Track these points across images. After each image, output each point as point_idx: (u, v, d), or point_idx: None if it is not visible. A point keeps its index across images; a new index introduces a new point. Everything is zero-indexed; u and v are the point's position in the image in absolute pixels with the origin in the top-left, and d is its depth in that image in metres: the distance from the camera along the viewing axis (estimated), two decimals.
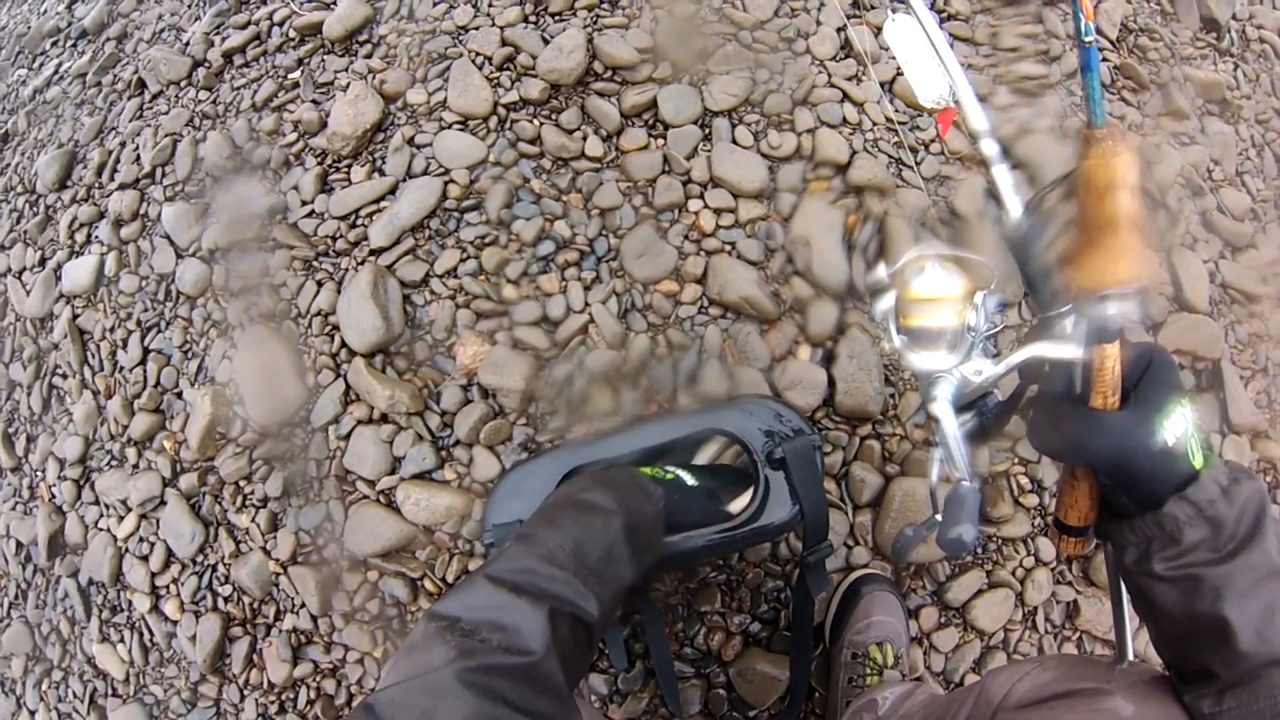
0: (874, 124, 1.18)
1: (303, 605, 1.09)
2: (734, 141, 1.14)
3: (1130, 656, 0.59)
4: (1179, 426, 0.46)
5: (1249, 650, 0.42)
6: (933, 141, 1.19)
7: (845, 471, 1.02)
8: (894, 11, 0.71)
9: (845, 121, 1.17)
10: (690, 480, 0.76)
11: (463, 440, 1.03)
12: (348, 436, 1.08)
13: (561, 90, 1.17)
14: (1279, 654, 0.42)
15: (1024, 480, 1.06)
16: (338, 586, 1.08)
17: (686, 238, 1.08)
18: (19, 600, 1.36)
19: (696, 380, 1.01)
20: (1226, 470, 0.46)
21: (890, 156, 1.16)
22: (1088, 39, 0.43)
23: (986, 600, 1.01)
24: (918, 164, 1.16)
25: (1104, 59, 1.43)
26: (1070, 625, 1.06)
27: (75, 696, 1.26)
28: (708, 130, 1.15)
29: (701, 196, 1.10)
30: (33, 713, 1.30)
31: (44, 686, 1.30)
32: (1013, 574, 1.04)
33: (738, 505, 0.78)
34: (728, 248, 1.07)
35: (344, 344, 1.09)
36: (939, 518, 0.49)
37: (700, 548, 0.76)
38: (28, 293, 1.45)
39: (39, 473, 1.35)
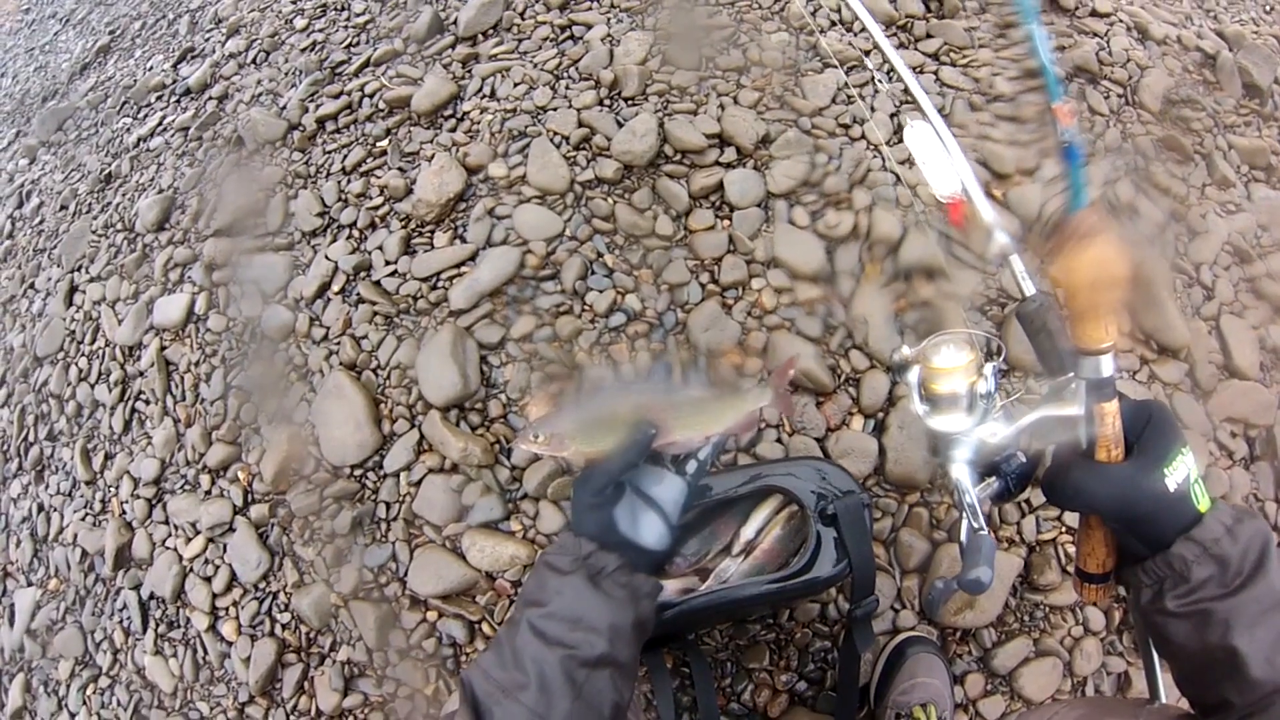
0: (926, 206, 1.25)
1: (359, 639, 1.13)
2: (791, 222, 1.22)
3: (1163, 698, 0.62)
4: (1181, 473, 0.51)
5: (1261, 677, 0.46)
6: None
7: (894, 537, 1.06)
8: (912, 120, 0.82)
9: (898, 203, 1.24)
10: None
11: (531, 494, 1.09)
12: (419, 483, 1.14)
13: (634, 171, 1.27)
14: None
15: (1071, 549, 1.08)
16: (396, 624, 1.13)
17: (749, 314, 1.15)
18: (76, 606, 1.42)
19: (755, 445, 1.07)
20: (1231, 511, 0.51)
21: (942, 234, 1.22)
22: (1064, 140, 0.51)
23: (1034, 669, 1.02)
24: (967, 242, 1.22)
25: (1147, 132, 1.45)
26: (1121, 696, 1.06)
27: (119, 705, 1.30)
28: (770, 212, 1.23)
29: (764, 275, 1.18)
30: (73, 715, 1.34)
31: (89, 691, 1.34)
32: (1060, 643, 1.05)
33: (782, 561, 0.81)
34: (787, 324, 1.14)
35: (421, 396, 1.17)
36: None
37: (752, 597, 0.80)
38: (120, 321, 1.56)
39: (113, 488, 1.43)
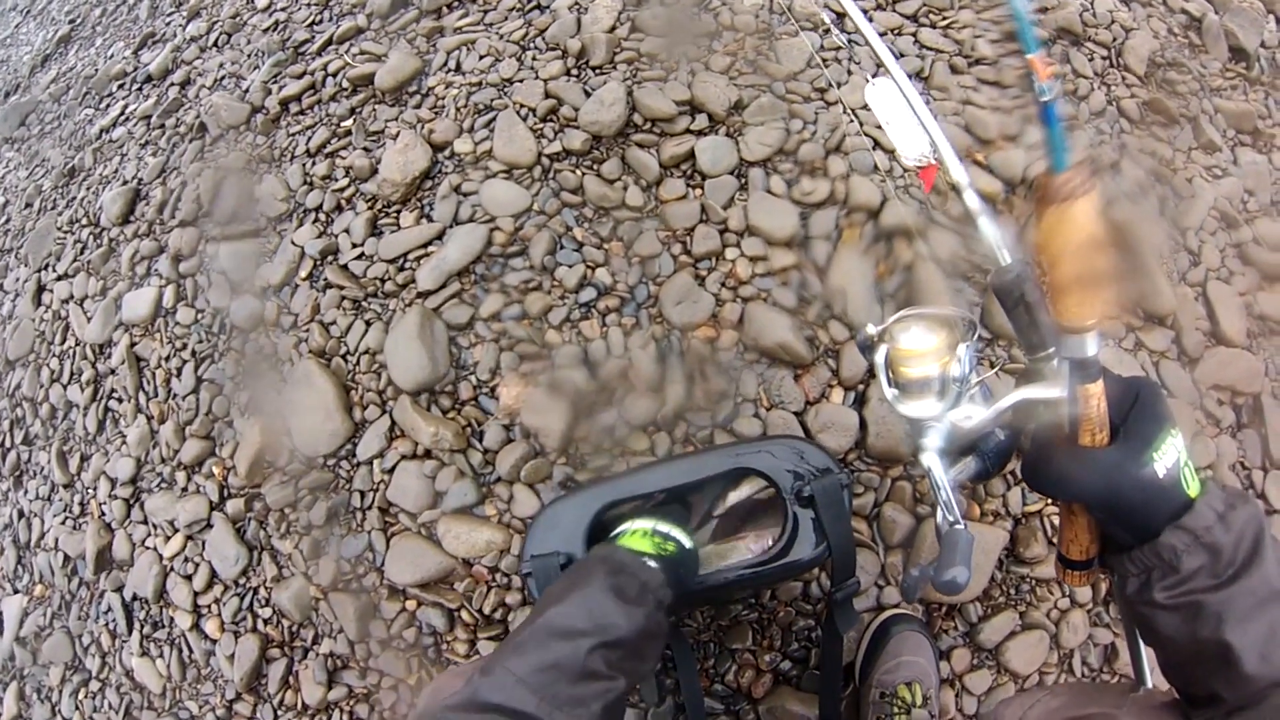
0: (904, 171, 1.22)
1: (340, 630, 1.12)
2: (768, 190, 1.18)
3: (1149, 683, 0.59)
4: (1170, 457, 0.47)
5: (1254, 673, 0.43)
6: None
7: (877, 512, 1.04)
8: (874, 75, 0.74)
9: (876, 168, 1.21)
10: (688, 544, 0.75)
11: (504, 477, 1.07)
12: (392, 470, 1.12)
13: (603, 141, 1.23)
14: None
15: (1057, 520, 1.06)
16: (376, 614, 1.11)
17: (724, 285, 1.12)
18: (62, 611, 1.41)
19: (731, 422, 1.04)
20: (1223, 496, 0.47)
21: (920, 201, 1.19)
22: (1044, 99, 0.46)
23: (1020, 642, 1.01)
24: (946, 206, 1.19)
25: (1132, 95, 1.43)
26: (1109, 668, 1.05)
27: (111, 708, 1.29)
28: (744, 180, 1.19)
29: (738, 245, 1.14)
30: None
31: (80, 696, 1.33)
32: (1047, 616, 1.03)
33: (760, 545, 0.79)
34: (763, 295, 1.11)
35: (391, 382, 1.14)
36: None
37: (729, 582, 0.78)
38: (89, 319, 1.53)
39: (90, 490, 1.41)
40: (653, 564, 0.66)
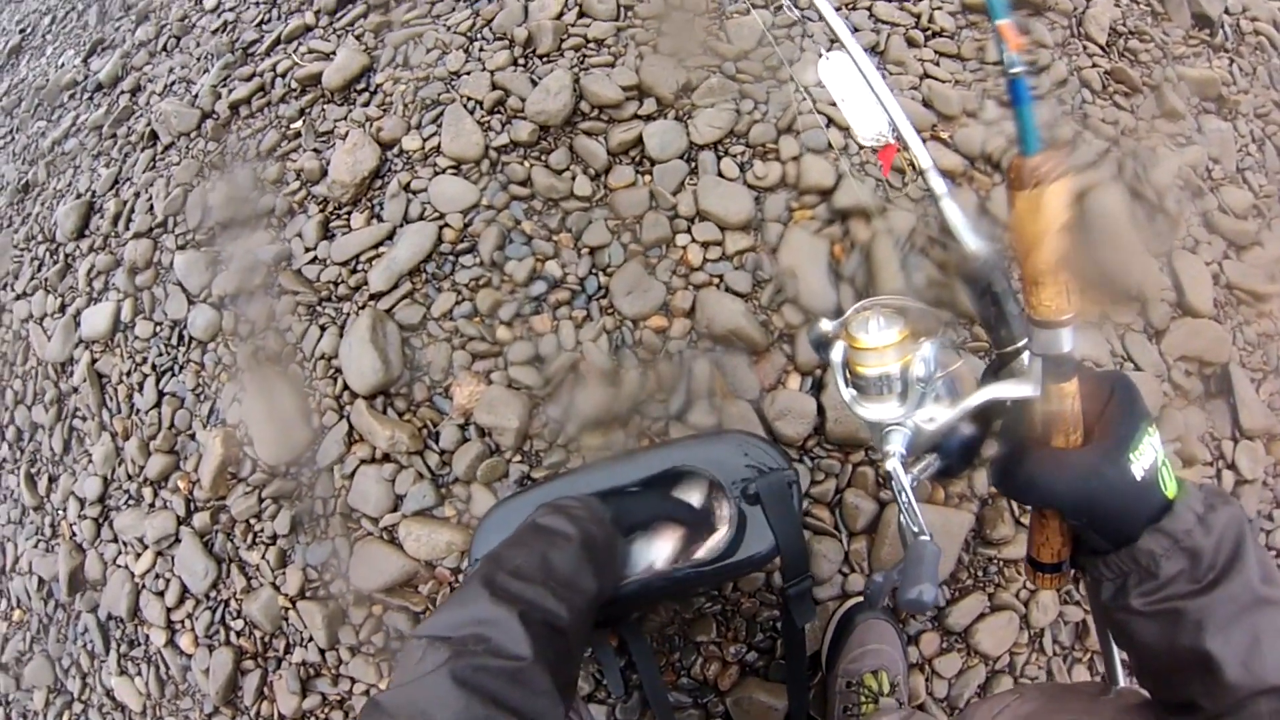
0: (860, 148, 1.19)
1: (311, 639, 1.11)
2: (720, 174, 1.16)
3: (1120, 683, 0.57)
4: (1148, 457, 0.44)
5: (1235, 682, 0.41)
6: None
7: (839, 499, 1.02)
8: (827, 49, 0.68)
9: (830, 146, 1.18)
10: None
11: (461, 478, 1.05)
12: (352, 475, 1.11)
13: (550, 131, 1.21)
14: (1265, 684, 0.41)
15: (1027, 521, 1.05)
16: (344, 621, 1.10)
17: (675, 272, 1.09)
18: (40, 635, 1.40)
19: (687, 413, 1.02)
20: (1202, 496, 0.45)
21: (876, 179, 1.17)
22: (1013, 70, 0.41)
23: (989, 624, 1.00)
24: (905, 186, 1.17)
25: (1094, 65, 1.42)
26: (1080, 646, 1.05)
27: None
28: (694, 164, 1.17)
29: (689, 230, 1.12)
30: None
31: (65, 719, 1.33)
32: (1016, 596, 1.03)
33: (706, 548, 0.78)
34: (715, 280, 1.09)
35: (346, 386, 1.13)
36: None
37: (676, 580, 0.75)
38: (49, 338, 1.51)
39: (60, 511, 1.40)
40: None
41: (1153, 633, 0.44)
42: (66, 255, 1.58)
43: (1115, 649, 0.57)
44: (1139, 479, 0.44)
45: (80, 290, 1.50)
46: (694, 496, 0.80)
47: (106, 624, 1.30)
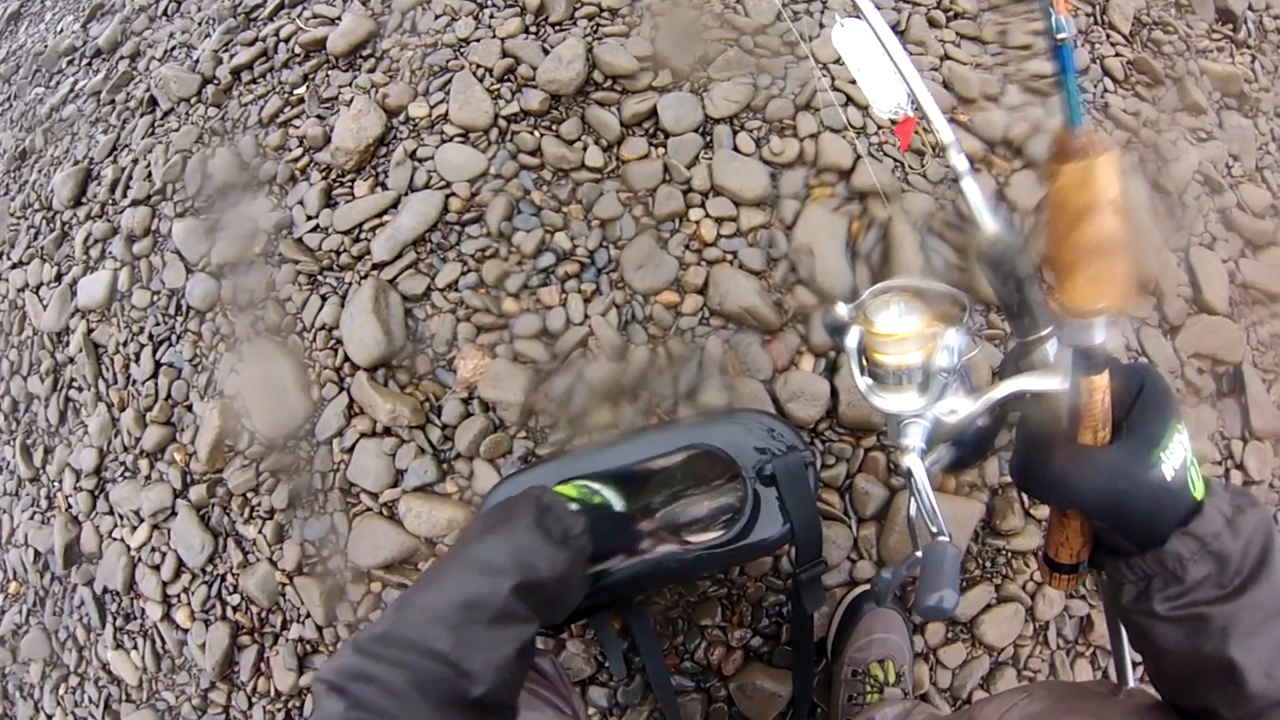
0: (879, 128, 1.16)
1: (308, 615, 1.10)
2: (735, 149, 1.12)
3: (1130, 683, 0.56)
4: (1178, 456, 0.42)
5: (1258, 691, 0.40)
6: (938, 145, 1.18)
7: (849, 484, 1.00)
8: (843, 17, 0.64)
9: (849, 126, 1.15)
10: (618, 506, 0.73)
11: (463, 453, 1.03)
12: (351, 449, 1.08)
13: (562, 101, 1.17)
14: None
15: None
16: (342, 597, 1.09)
17: (687, 248, 1.07)
18: (37, 607, 1.39)
19: (697, 392, 1.00)
20: (1229, 497, 0.43)
21: (895, 160, 1.14)
22: (1060, 36, 0.38)
23: (995, 615, 0.99)
24: (924, 167, 1.14)
25: (1117, 54, 1.39)
26: (1084, 640, 1.04)
27: (91, 701, 1.29)
28: (709, 138, 1.14)
29: (703, 205, 1.09)
30: (50, 717, 1.33)
31: (61, 692, 1.33)
32: (1023, 588, 1.01)
33: (708, 535, 0.75)
34: (729, 257, 1.06)
35: (347, 358, 1.10)
36: (919, 554, 0.44)
37: (687, 562, 0.73)
38: (45, 307, 1.48)
39: (56, 483, 1.38)
40: (574, 508, 0.64)
41: (1175, 638, 0.43)
42: (63, 223, 1.55)
43: (1127, 649, 0.55)
44: (1169, 479, 0.42)
45: (77, 259, 1.47)
46: (707, 476, 0.78)
47: (102, 597, 1.28)
